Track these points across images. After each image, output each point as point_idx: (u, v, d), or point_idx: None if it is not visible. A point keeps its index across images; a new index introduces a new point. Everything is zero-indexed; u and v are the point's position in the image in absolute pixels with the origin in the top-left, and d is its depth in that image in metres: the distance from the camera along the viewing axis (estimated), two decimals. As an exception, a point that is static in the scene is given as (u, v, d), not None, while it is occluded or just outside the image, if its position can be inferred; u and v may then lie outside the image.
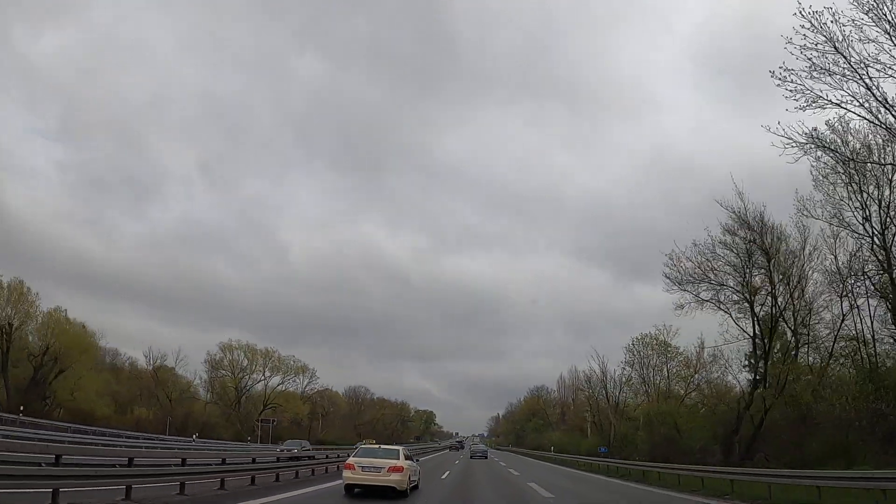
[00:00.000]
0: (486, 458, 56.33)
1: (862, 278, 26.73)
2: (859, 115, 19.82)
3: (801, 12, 18.09)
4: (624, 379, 57.54)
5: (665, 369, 52.83)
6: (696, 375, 47.31)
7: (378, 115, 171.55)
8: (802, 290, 30.72)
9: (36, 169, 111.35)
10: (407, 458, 18.23)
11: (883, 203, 25.48)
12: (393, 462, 16.78)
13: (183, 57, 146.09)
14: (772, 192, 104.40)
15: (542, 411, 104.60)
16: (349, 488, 16.73)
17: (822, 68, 18.55)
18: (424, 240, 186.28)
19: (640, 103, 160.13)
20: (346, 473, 16.79)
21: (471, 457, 55.71)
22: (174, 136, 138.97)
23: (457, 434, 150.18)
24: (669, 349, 51.75)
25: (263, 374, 79.48)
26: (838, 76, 18.64)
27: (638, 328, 71.13)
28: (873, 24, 17.87)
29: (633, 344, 54.24)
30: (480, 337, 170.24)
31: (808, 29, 18.20)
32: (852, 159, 23.66)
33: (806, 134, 20.26)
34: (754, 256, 31.28)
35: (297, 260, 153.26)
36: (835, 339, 28.96)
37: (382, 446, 19.42)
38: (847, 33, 18.07)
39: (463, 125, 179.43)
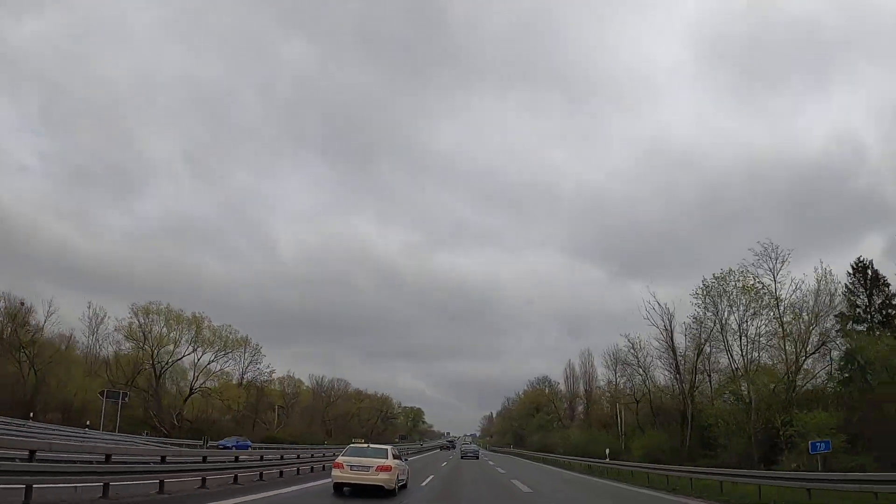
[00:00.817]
0: (478, 458, 55.69)
1: None
2: None
3: None
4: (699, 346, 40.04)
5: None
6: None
7: (368, 102, 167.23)
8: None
9: (19, 160, 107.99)
10: (395, 457, 18.26)
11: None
12: (381, 461, 16.79)
13: (166, 41, 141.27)
14: (771, 185, 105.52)
15: (550, 404, 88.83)
16: (338, 487, 16.72)
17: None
18: (416, 235, 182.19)
19: (639, 93, 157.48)
20: (335, 472, 16.80)
21: (461, 457, 55.18)
22: (158, 124, 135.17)
23: (448, 434, 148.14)
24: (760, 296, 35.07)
25: (192, 348, 60.03)
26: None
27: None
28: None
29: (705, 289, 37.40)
30: (473, 336, 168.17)
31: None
32: None
33: None
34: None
35: (286, 255, 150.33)
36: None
37: (371, 445, 19.46)
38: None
39: (456, 114, 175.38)
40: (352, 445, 18.96)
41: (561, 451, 58.07)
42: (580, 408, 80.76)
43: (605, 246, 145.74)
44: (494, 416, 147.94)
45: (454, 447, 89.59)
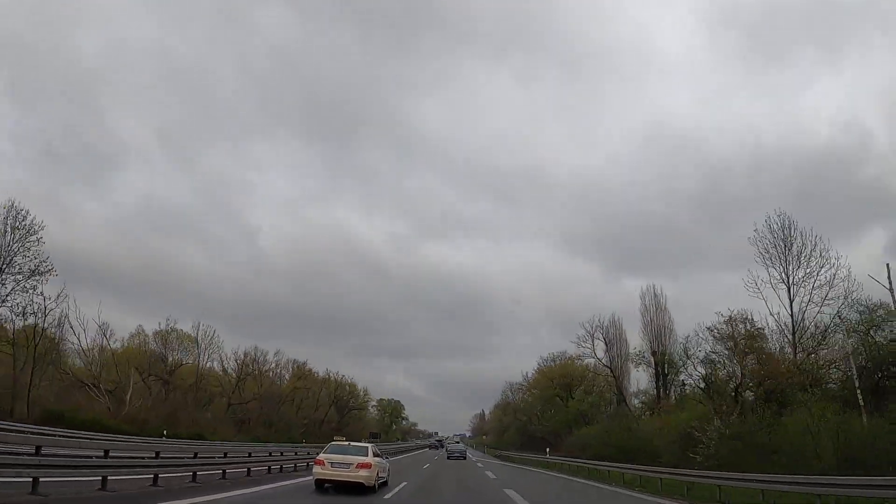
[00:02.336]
0: (465, 458, 54.06)
1: None
2: None
3: None
4: None
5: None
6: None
7: (350, 74, 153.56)
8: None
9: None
10: (376, 455, 18.78)
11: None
12: (361, 459, 17.32)
13: (136, 7, 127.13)
14: (775, 176, 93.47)
15: (587, 380, 61.14)
16: (319, 484, 17.20)
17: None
18: (402, 225, 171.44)
19: (640, 67, 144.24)
20: (317, 469, 17.29)
21: (448, 457, 53.38)
22: (130, 101, 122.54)
23: (436, 434, 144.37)
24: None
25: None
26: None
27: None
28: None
29: None
30: (463, 334, 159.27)
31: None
32: None
33: None
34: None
35: (267, 246, 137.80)
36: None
37: (352, 443, 19.91)
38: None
39: (443, 86, 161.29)
40: (333, 443, 19.42)
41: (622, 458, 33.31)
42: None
43: (599, 238, 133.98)
44: (488, 413, 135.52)
45: (442, 447, 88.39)
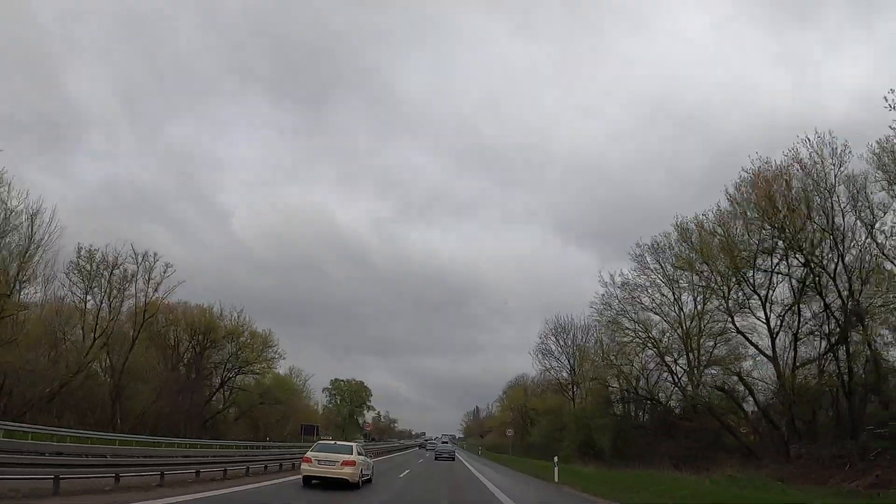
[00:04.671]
0: (454, 458, 51.24)
1: None
2: None
3: None
4: None
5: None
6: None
7: (324, 25, 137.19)
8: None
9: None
10: (360, 453, 20.17)
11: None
12: (346, 456, 18.75)
13: None
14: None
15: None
16: (307, 480, 18.63)
17: None
18: (384, 206, 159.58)
19: (647, 18, 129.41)
20: (304, 466, 18.77)
21: (435, 458, 51.38)
22: (87, 60, 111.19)
23: (423, 434, 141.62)
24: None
25: None
26: None
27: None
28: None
29: None
30: (451, 330, 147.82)
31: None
32: None
33: None
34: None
35: (239, 230, 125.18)
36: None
37: (338, 442, 21.35)
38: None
39: (427, 40, 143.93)
40: (320, 442, 20.87)
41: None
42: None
43: (596, 223, 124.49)
44: (485, 409, 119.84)
45: (424, 448, 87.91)
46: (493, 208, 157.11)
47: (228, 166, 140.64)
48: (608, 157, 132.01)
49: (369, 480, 21.26)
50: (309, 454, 19.03)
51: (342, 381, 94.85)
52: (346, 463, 18.47)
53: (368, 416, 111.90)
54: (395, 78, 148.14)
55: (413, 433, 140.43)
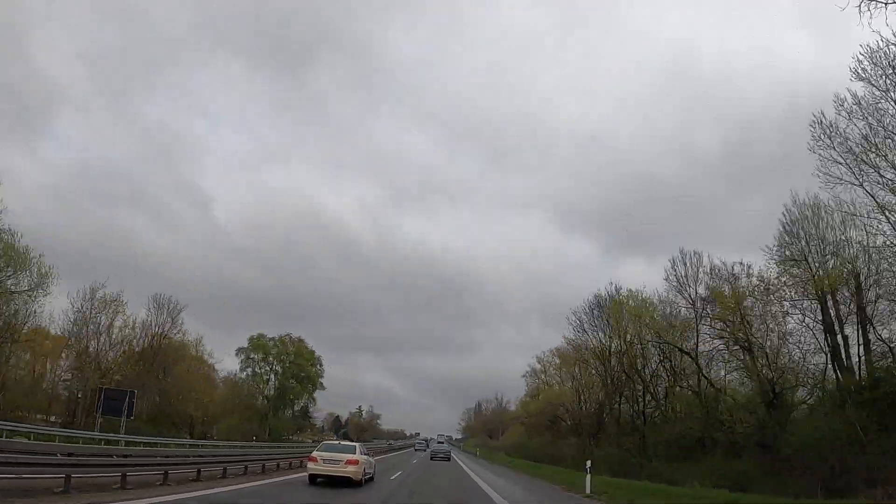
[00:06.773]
0: (449, 459, 52.48)
1: None
2: None
3: None
4: None
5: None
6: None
7: None
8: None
9: None
10: (363, 453, 21.25)
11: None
12: (350, 456, 19.69)
13: None
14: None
15: None
16: (312, 478, 19.56)
17: None
18: (374, 190, 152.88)
19: None
20: (310, 465, 19.75)
21: (431, 458, 52.25)
22: (54, 28, 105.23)
23: (418, 434, 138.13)
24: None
25: None
26: None
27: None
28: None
29: None
30: (448, 328, 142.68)
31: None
32: None
33: None
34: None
35: (222, 217, 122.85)
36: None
37: (342, 442, 22.08)
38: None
39: (422, 3, 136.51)
40: (325, 442, 21.62)
41: None
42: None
43: (600, 210, 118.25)
44: (492, 401, 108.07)
45: (428, 448, 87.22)
46: (490, 191, 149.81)
47: (208, 147, 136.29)
48: (613, 132, 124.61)
49: (371, 479, 22.16)
50: (315, 454, 20.06)
51: (270, 339, 62.85)
52: (349, 462, 19.38)
53: (322, 401, 76.88)
54: (382, 45, 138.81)
55: (407, 434, 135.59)
